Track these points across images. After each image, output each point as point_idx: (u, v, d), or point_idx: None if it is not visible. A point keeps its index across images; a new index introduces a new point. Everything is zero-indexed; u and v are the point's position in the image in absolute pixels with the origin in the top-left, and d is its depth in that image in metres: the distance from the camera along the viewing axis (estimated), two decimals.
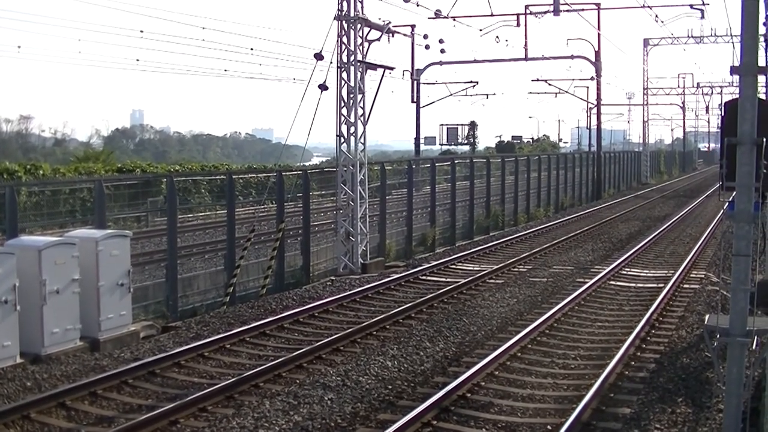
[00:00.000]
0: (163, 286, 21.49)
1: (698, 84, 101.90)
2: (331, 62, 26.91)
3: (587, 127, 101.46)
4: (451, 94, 69.72)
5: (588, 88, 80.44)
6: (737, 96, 10.19)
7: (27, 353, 15.96)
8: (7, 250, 15.93)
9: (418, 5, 34.75)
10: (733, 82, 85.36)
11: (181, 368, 15.79)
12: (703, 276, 25.34)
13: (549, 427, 12.55)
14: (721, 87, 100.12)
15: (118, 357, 16.62)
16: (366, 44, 27.84)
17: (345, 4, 27.02)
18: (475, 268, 27.57)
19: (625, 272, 26.52)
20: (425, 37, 45.53)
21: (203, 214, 35.60)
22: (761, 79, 13.35)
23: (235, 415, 12.92)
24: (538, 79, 75.59)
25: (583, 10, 55.98)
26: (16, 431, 12.49)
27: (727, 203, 11.20)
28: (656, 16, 56.85)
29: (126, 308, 18.16)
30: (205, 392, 13.72)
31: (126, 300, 18.14)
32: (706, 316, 14.17)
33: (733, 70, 10.43)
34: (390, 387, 14.55)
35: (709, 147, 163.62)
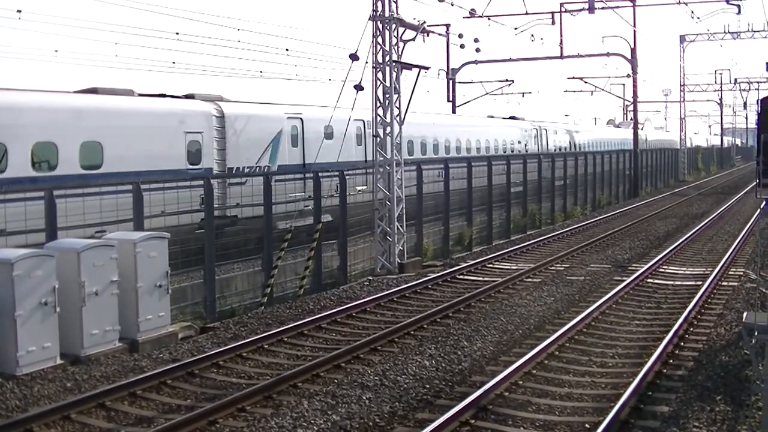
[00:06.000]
0: (201, 287, 21.59)
1: (735, 80, 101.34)
2: (366, 62, 26.97)
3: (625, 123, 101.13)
4: (486, 93, 69.56)
5: (624, 85, 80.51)
6: None
7: (67, 354, 16.11)
8: (46, 253, 16.07)
9: (452, 5, 34.80)
10: None
11: (220, 369, 15.88)
12: (741, 273, 25.19)
13: (587, 425, 12.53)
14: (758, 83, 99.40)
15: (157, 358, 16.72)
16: (401, 44, 27.84)
17: (380, 4, 27.03)
18: (513, 267, 27.53)
19: (662, 270, 26.40)
20: (460, 36, 45.28)
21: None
22: None
23: (274, 415, 12.97)
24: (573, 77, 75.45)
25: (618, 7, 55.67)
26: (57, 431, 12.61)
27: (764, 201, 11.10)
28: (692, 12, 56.49)
29: (164, 309, 18.27)
30: (244, 392, 13.80)
31: (164, 301, 18.25)
32: (744, 314, 14.11)
33: None
34: (428, 386, 14.57)
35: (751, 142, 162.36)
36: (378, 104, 27.62)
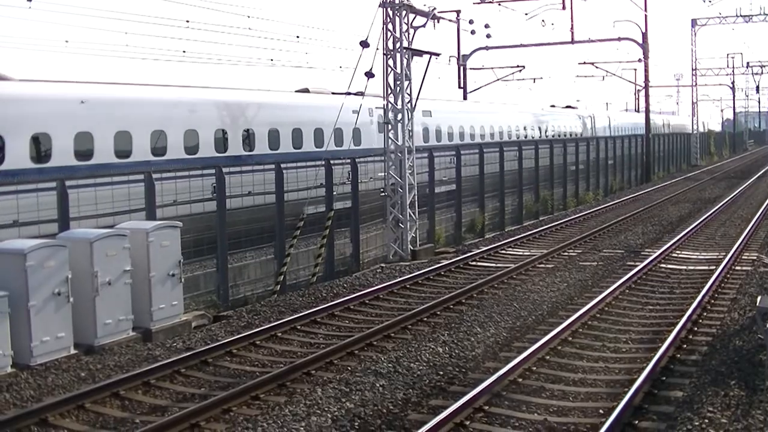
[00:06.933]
0: (214, 276, 21.60)
1: (748, 63, 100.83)
2: (377, 49, 26.92)
3: (636, 110, 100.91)
4: (497, 79, 69.31)
5: (636, 70, 79.93)
6: None
7: (81, 344, 16.16)
8: (59, 243, 16.10)
9: None
10: None
11: (233, 357, 15.89)
12: (755, 258, 25.10)
13: (601, 411, 12.51)
14: None
15: (171, 347, 16.75)
16: (411, 31, 27.77)
17: None
18: (525, 253, 27.50)
19: (675, 255, 26.33)
20: (471, 22, 45.24)
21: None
22: None
23: (288, 403, 12.98)
24: (585, 62, 75.22)
25: None
26: (71, 421, 12.64)
27: None
28: None
29: (177, 298, 18.31)
30: (258, 380, 13.80)
31: (177, 290, 18.29)
32: (758, 298, 14.06)
33: None
34: (441, 373, 14.56)
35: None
36: (389, 91, 27.58)
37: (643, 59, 64.24)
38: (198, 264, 21.76)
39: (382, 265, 26.23)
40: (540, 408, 12.77)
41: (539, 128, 57.56)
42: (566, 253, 27.19)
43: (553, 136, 57.26)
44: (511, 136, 51.36)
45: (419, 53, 28.38)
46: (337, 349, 15.77)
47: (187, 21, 35.48)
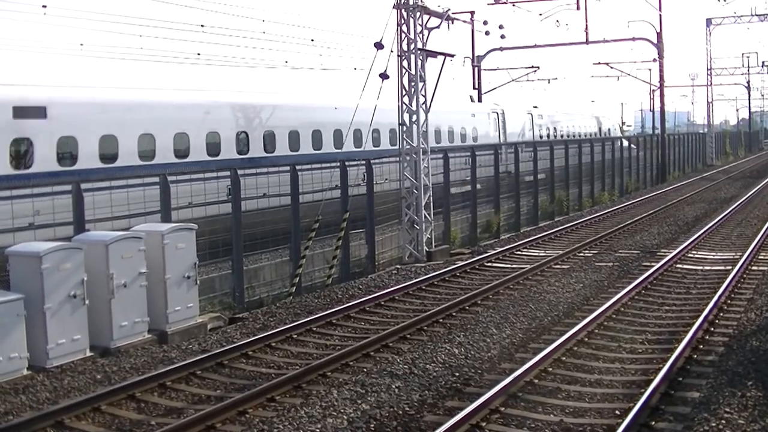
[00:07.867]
0: (230, 278, 21.61)
1: (763, 63, 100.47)
2: (391, 51, 26.90)
3: (650, 110, 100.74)
4: (512, 80, 69.22)
5: (650, 70, 79.85)
6: None
7: (96, 346, 16.18)
8: (74, 245, 16.12)
9: None
10: None
11: (249, 359, 15.89)
12: None
13: (617, 411, 12.46)
14: None
15: (186, 349, 16.76)
16: (426, 32, 27.75)
17: None
18: (541, 254, 27.45)
19: (691, 255, 26.26)
20: (485, 23, 45.31)
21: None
22: None
23: (303, 405, 12.97)
24: (599, 63, 75.08)
25: None
26: (87, 423, 12.65)
27: None
28: None
29: (193, 300, 18.32)
30: (273, 382, 13.80)
31: (193, 292, 18.29)
32: None
33: None
34: (457, 374, 14.53)
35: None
36: (404, 92, 27.56)
37: (657, 59, 64.09)
38: (213, 266, 21.81)
39: (398, 266, 26.23)
40: (556, 409, 12.73)
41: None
42: (582, 254, 27.14)
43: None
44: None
45: (434, 54, 28.37)
46: (353, 350, 15.76)
47: (202, 25, 35.46)
